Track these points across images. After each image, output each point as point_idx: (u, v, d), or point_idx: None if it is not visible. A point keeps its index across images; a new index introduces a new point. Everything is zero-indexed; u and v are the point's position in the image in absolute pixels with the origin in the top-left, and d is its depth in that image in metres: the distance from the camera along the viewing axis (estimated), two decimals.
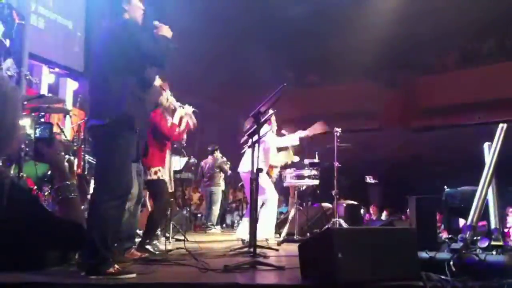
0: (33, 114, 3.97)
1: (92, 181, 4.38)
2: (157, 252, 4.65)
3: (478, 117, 13.95)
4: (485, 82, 13.89)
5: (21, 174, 3.67)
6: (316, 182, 6.51)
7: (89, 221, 3.16)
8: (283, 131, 6.76)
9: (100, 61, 3.40)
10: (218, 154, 10.38)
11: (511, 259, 2.91)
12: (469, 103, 14.08)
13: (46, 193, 4.18)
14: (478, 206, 3.24)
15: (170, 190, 5.15)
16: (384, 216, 10.92)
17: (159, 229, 5.40)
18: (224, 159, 10.32)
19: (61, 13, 9.30)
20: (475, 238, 3.17)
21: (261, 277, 3.40)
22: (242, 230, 5.99)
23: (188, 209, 11.39)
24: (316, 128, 6.38)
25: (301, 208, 6.77)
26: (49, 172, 4.30)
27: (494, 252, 3.06)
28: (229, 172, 10.20)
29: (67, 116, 6.50)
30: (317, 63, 15.90)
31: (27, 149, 3.79)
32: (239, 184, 10.29)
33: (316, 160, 6.82)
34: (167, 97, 4.94)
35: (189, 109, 5.13)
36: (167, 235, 6.16)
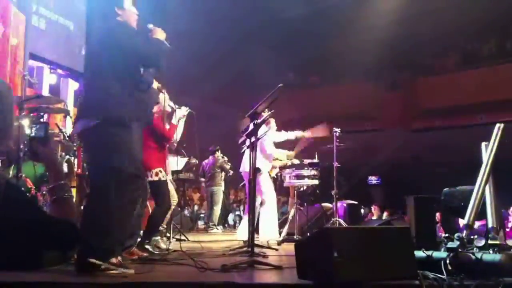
0: (31, 114, 3.99)
1: None
2: (156, 252, 4.67)
3: (480, 118, 13.96)
4: (486, 83, 13.89)
5: (20, 174, 3.69)
6: (316, 182, 6.52)
7: (91, 218, 3.17)
8: (283, 132, 6.77)
9: (93, 62, 3.45)
10: (219, 154, 10.40)
11: (507, 257, 2.90)
12: (470, 104, 14.08)
13: (44, 193, 4.21)
14: (475, 205, 3.23)
15: (173, 190, 5.17)
16: (385, 216, 10.91)
17: (162, 227, 5.41)
18: (225, 159, 10.34)
19: (62, 14, 9.33)
20: (472, 237, 3.16)
21: (258, 276, 3.41)
22: (243, 231, 6.00)
23: (191, 209, 11.43)
24: (318, 131, 6.41)
25: (301, 208, 6.77)
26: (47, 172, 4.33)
27: (490, 251, 3.05)
28: (231, 172, 10.22)
29: (68, 117, 6.51)
30: (318, 64, 15.93)
31: (25, 149, 3.81)
32: (241, 184, 10.31)
33: (315, 160, 6.82)
34: (165, 99, 4.96)
35: (184, 110, 5.16)
36: (168, 235, 6.17)
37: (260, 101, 4.22)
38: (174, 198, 5.11)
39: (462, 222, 4.46)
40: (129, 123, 3.30)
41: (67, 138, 4.94)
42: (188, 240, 6.57)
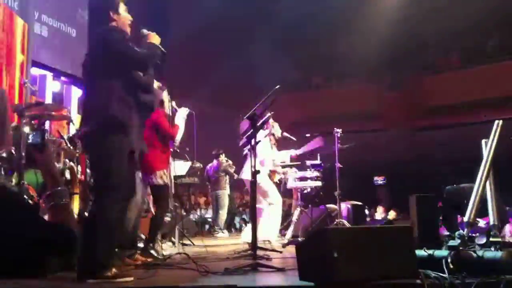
0: (32, 121, 4.02)
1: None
2: (160, 257, 4.67)
3: (484, 116, 13.87)
4: (490, 80, 13.83)
5: (22, 181, 3.71)
6: (319, 183, 6.52)
7: (90, 225, 3.20)
8: (285, 134, 6.77)
9: (88, 67, 3.49)
10: (223, 158, 10.40)
11: (509, 255, 2.89)
12: (474, 101, 14.02)
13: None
14: (475, 202, 3.22)
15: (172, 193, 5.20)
16: (391, 216, 10.88)
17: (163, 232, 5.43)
18: (230, 162, 10.33)
19: (65, 21, 9.38)
20: (473, 234, 3.16)
21: (260, 278, 3.42)
22: (247, 234, 6.00)
23: (198, 213, 11.43)
24: (313, 144, 6.46)
25: (305, 210, 6.77)
26: None
27: (492, 249, 3.04)
28: (236, 175, 10.22)
29: (71, 124, 6.54)
30: (321, 65, 15.92)
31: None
32: (245, 188, 10.30)
33: (318, 162, 6.82)
34: (165, 100, 4.99)
35: (185, 111, 5.18)
36: (173, 239, 6.18)
37: (258, 103, 4.24)
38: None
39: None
40: (127, 128, 3.32)
41: (69, 145, 4.96)
42: (193, 245, 6.58)
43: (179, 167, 6.42)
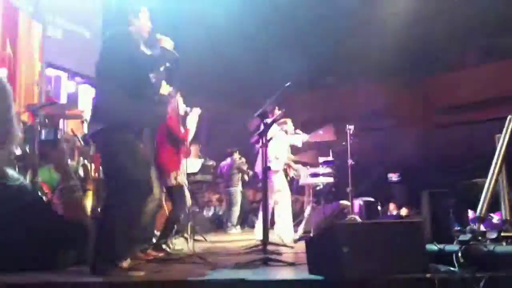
0: (46, 121, 4.08)
1: None
2: (172, 252, 4.72)
3: (500, 111, 13.68)
4: (506, 76, 13.65)
5: (36, 179, 3.78)
6: (331, 179, 6.51)
7: (104, 221, 3.25)
8: (298, 131, 6.77)
9: (99, 68, 3.54)
10: (236, 155, 10.46)
11: None
12: (490, 98, 13.86)
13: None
14: (487, 197, 3.21)
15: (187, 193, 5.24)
16: (403, 212, 10.82)
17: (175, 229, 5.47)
18: (243, 160, 10.38)
19: (79, 23, 9.50)
20: (484, 229, 3.14)
21: (270, 273, 3.44)
22: (259, 230, 6.02)
23: (210, 210, 11.49)
24: (324, 134, 6.42)
25: (318, 206, 6.78)
26: None
27: (503, 243, 3.02)
28: (250, 172, 10.25)
29: (85, 123, 6.64)
30: (334, 64, 15.85)
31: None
32: (258, 185, 10.33)
33: (330, 158, 6.81)
34: (178, 104, 5.03)
35: (197, 111, 5.22)
36: (185, 235, 6.23)
37: (268, 100, 4.25)
38: (189, 202, 5.17)
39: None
40: (135, 129, 3.37)
41: (83, 144, 5.04)
42: (206, 240, 6.63)
43: (191, 164, 6.45)
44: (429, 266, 2.84)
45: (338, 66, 15.93)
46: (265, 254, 3.97)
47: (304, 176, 6.68)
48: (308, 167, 6.70)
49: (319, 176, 6.56)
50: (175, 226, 5.19)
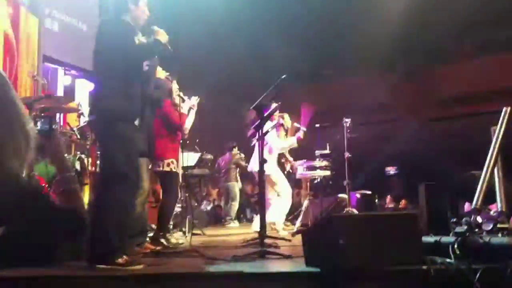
0: (42, 114, 4.07)
1: None
2: (169, 246, 4.73)
3: (499, 104, 13.69)
4: (505, 69, 13.64)
5: (32, 173, 3.78)
6: (328, 173, 6.52)
7: (100, 212, 3.26)
8: (295, 124, 6.77)
9: (95, 58, 3.54)
10: (236, 151, 10.47)
11: None
12: (488, 91, 13.86)
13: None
14: (483, 189, 3.22)
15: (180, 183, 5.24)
16: (401, 205, 10.87)
17: (171, 223, 5.48)
18: (242, 156, 10.38)
19: (75, 16, 9.47)
20: (480, 221, 3.15)
21: (267, 265, 3.45)
22: (258, 224, 6.03)
23: (211, 204, 11.51)
24: (304, 115, 6.42)
25: (315, 199, 6.79)
26: None
27: (499, 235, 3.03)
28: (247, 167, 10.25)
29: (82, 116, 6.63)
30: (331, 56, 15.81)
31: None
32: (256, 179, 10.32)
33: (327, 151, 6.81)
34: (174, 89, 5.02)
35: (194, 100, 5.22)
36: (184, 229, 6.25)
37: (264, 93, 4.25)
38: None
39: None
40: (129, 119, 3.37)
41: (79, 137, 5.03)
42: (204, 234, 6.64)
43: (189, 158, 6.45)
44: (425, 257, 2.85)
45: (335, 59, 15.90)
46: (262, 247, 3.98)
47: (301, 169, 6.69)
48: (305, 160, 6.70)
49: (316, 169, 6.56)
50: (170, 217, 5.19)
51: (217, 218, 10.80)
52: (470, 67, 14.73)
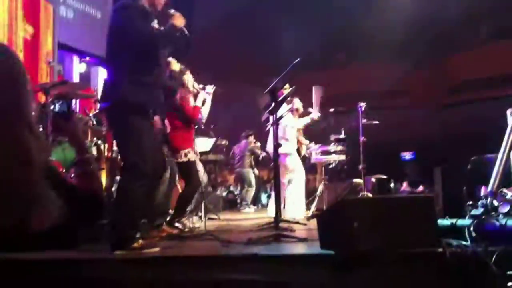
0: (58, 100, 4.11)
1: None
2: (185, 229, 4.78)
3: None
4: None
5: (50, 158, 3.81)
6: (343, 157, 6.50)
7: (117, 199, 3.30)
8: (309, 109, 6.75)
9: (108, 46, 3.51)
10: (251, 139, 10.51)
11: None
12: (503, 75, 13.69)
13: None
14: (499, 172, 3.19)
15: (202, 171, 5.26)
16: (418, 189, 10.84)
17: (190, 208, 5.52)
18: (258, 144, 10.40)
19: (90, 3, 9.51)
20: (496, 203, 3.12)
21: (282, 248, 3.46)
22: (272, 208, 6.06)
23: (224, 189, 11.58)
24: (316, 97, 6.40)
25: (330, 184, 6.79)
26: None
27: None
28: (263, 153, 10.26)
29: (97, 103, 6.68)
30: (344, 42, 15.68)
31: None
32: (271, 164, 10.34)
33: (342, 136, 6.79)
34: (188, 80, 5.02)
35: (210, 88, 5.21)
36: (200, 214, 6.30)
37: (278, 77, 4.23)
38: (203, 180, 5.18)
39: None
40: (141, 108, 3.36)
41: (95, 123, 5.08)
42: (219, 219, 6.70)
43: (203, 143, 6.47)
44: (441, 240, 2.84)
45: (350, 44, 15.76)
46: (277, 230, 4.00)
47: (315, 153, 6.68)
48: (320, 144, 6.69)
49: (331, 154, 6.55)
50: (189, 204, 5.23)
51: (232, 204, 10.88)
52: (484, 52, 14.54)
